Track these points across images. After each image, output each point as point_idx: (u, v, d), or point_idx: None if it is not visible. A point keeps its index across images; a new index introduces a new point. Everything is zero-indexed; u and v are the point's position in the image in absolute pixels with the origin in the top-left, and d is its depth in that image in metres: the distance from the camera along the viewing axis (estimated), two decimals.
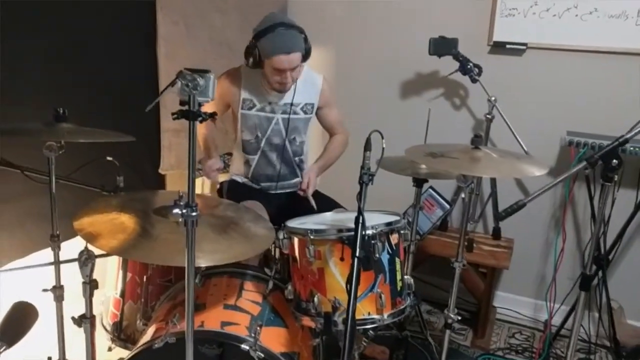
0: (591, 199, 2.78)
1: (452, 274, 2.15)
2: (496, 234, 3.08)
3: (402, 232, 1.95)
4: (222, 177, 2.70)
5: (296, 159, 2.62)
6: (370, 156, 1.80)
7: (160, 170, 2.98)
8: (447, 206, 2.97)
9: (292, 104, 2.51)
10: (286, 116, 2.53)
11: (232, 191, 2.63)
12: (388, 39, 3.27)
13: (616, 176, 1.81)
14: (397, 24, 3.24)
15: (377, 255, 1.84)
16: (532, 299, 3.20)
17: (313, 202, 2.42)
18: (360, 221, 1.69)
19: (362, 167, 1.80)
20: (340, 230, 1.83)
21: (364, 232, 1.70)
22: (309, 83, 2.57)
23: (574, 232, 3.04)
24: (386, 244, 1.88)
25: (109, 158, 2.12)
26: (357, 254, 1.65)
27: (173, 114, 1.44)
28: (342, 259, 1.80)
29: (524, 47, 2.97)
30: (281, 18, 2.40)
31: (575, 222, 3.03)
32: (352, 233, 1.76)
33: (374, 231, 1.83)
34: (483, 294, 2.94)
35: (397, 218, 1.97)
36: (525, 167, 1.98)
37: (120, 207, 1.84)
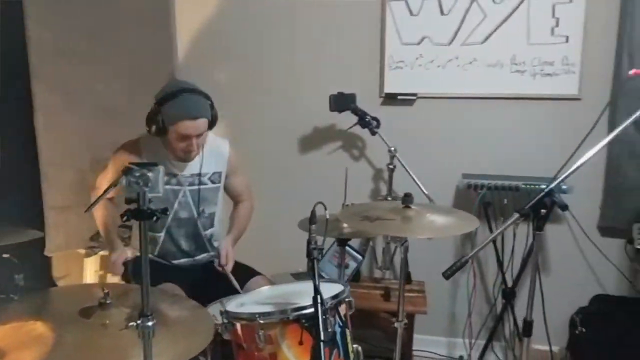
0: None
1: (387, 330, 2.14)
2: (407, 278, 3.14)
3: (347, 300, 1.90)
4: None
5: (207, 232, 2.48)
6: (316, 229, 1.74)
7: (46, 252, 2.67)
8: (360, 257, 2.98)
9: (200, 174, 2.39)
10: (194, 187, 2.39)
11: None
12: (285, 98, 3.27)
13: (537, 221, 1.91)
14: (292, 82, 3.25)
15: (330, 330, 1.76)
16: (446, 337, 3.29)
17: (235, 283, 2.30)
18: (319, 301, 1.62)
19: (309, 242, 1.73)
20: (294, 310, 1.74)
21: (320, 311, 1.63)
22: (215, 150, 2.46)
23: (478, 269, 3.19)
24: (337, 317, 1.82)
25: (5, 255, 1.85)
26: (323, 338, 1.57)
27: (122, 215, 1.27)
28: (300, 343, 1.70)
29: (414, 97, 3.10)
30: (186, 83, 2.29)
31: (477, 259, 3.19)
32: (307, 312, 1.69)
33: (326, 307, 1.76)
34: (404, 340, 2.96)
35: (341, 287, 1.92)
36: (458, 222, 2.03)
37: (34, 311, 1.58)
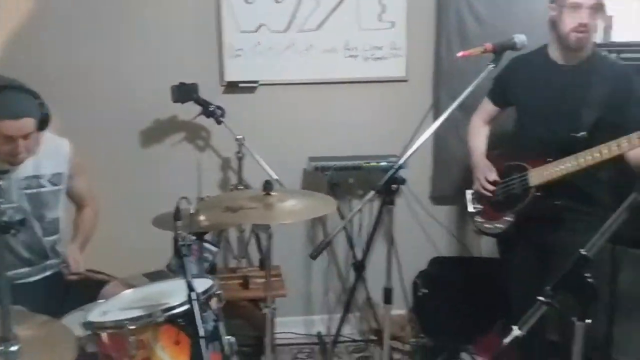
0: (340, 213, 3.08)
1: (250, 318, 2.16)
2: (264, 264, 3.17)
3: (217, 293, 1.88)
4: None
5: (50, 239, 2.29)
6: (181, 225, 1.69)
7: None
8: (215, 249, 2.93)
9: (38, 177, 2.19)
10: (31, 191, 2.18)
11: None
12: (124, 91, 3.07)
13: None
14: (129, 75, 3.06)
15: (209, 325, 1.74)
16: (304, 316, 3.40)
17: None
18: (194, 298, 1.59)
19: (177, 239, 1.68)
20: (166, 311, 1.67)
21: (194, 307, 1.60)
22: (53, 150, 2.27)
23: (330, 247, 3.32)
24: (209, 311, 1.79)
25: None
26: (203, 334, 1.54)
27: None
28: (177, 343, 1.65)
29: (256, 85, 3.12)
30: (10, 80, 2.07)
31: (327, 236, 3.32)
32: (179, 310, 1.65)
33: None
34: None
35: (210, 282, 1.89)
36: (317, 205, 2.09)
37: None
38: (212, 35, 3.06)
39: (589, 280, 1.18)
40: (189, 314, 1.62)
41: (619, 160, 2.15)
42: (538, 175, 2.32)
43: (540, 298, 1.21)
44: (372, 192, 1.97)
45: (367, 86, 3.20)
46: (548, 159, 2.28)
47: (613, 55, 2.61)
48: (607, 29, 2.84)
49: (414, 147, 1.99)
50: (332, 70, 3.16)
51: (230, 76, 3.10)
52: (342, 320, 3.18)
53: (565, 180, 2.25)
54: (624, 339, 2.74)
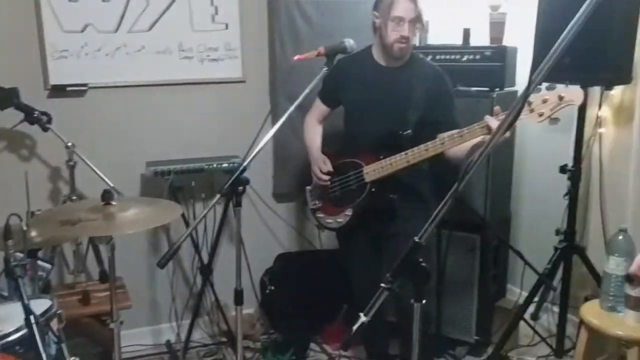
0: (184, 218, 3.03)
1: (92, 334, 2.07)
2: (104, 277, 3.00)
3: (58, 313, 1.77)
4: None
5: None
6: (13, 244, 1.57)
7: None
8: (49, 266, 2.73)
9: None
10: None
11: None
12: None
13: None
14: None
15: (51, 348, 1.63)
16: (151, 326, 3.29)
17: None
18: (34, 321, 1.48)
19: (8, 260, 1.56)
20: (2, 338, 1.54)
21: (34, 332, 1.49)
22: None
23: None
24: (50, 334, 1.68)
25: None
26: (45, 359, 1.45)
27: None
28: None
29: (85, 88, 2.94)
30: None
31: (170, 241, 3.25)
32: (16, 337, 1.53)
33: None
34: (111, 340, 2.86)
35: (48, 302, 1.77)
36: (162, 212, 2.04)
37: None
38: (33, 35, 2.82)
39: (423, 264, 1.31)
40: (27, 339, 1.51)
41: (439, 155, 2.38)
42: (372, 171, 2.50)
43: (383, 285, 1.32)
44: (218, 196, 1.98)
45: (204, 88, 3.18)
46: (380, 156, 2.46)
47: (429, 57, 2.88)
48: (423, 33, 3.11)
49: (257, 149, 2.04)
50: (167, 72, 3.09)
51: (56, 79, 2.89)
52: (192, 326, 3.14)
53: (397, 175, 2.44)
54: (451, 314, 3.05)
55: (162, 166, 2.96)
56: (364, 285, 2.67)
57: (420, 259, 1.32)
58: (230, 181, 1.98)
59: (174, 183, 2.97)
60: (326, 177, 2.65)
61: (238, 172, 1.98)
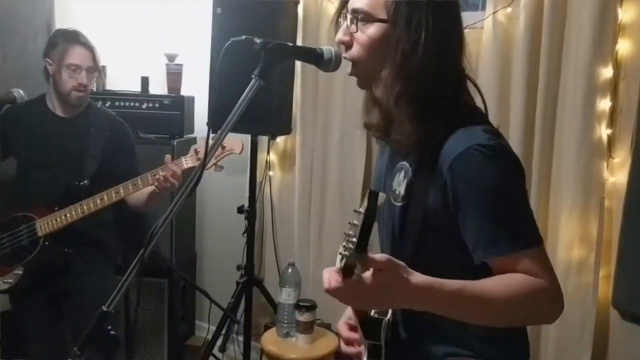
0: None
1: None
2: None
3: None
4: None
5: None
6: None
7: None
8: None
9: None
10: None
11: None
12: None
13: None
14: None
15: None
16: None
17: None
18: None
19: None
20: None
21: None
22: None
23: None
24: None
25: None
26: None
27: None
28: None
29: None
30: None
31: None
32: None
33: None
34: None
35: None
36: None
37: None
38: None
39: (112, 332, 1.30)
40: None
41: (119, 203, 2.37)
42: (46, 224, 2.35)
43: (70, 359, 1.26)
44: None
45: None
46: (55, 208, 2.33)
47: (107, 104, 2.84)
48: (100, 78, 3.06)
49: None
50: None
51: None
52: None
53: (73, 226, 2.34)
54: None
55: None
56: (42, 349, 2.47)
57: (109, 327, 1.30)
58: None
59: None
60: None
61: None
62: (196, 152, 2.21)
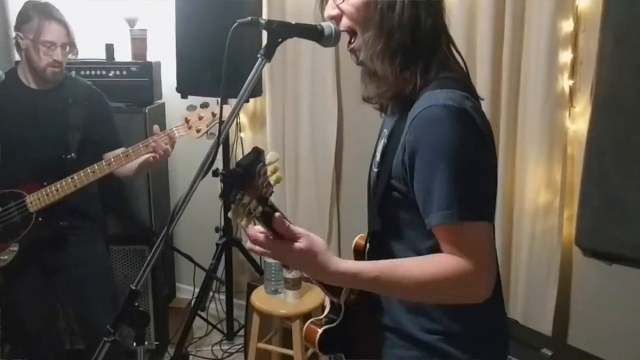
0: None
1: None
2: None
3: None
4: None
5: None
6: None
7: None
8: None
9: None
10: None
11: None
12: None
13: None
14: None
15: None
16: None
17: None
18: None
19: None
20: None
21: None
22: None
23: None
24: None
25: None
26: None
27: None
28: None
29: None
30: None
31: None
32: None
33: None
34: None
35: None
36: None
37: None
38: None
39: (140, 308, 1.36)
40: None
41: (108, 176, 2.37)
42: (37, 200, 2.33)
43: (105, 338, 1.32)
44: None
45: None
46: (44, 183, 2.31)
47: (72, 73, 2.78)
48: (74, 54, 2.95)
49: None
50: None
51: None
52: None
53: (65, 200, 2.34)
54: None
55: None
56: (36, 321, 2.49)
57: (137, 304, 1.37)
58: None
59: None
60: None
61: None
62: (187, 120, 2.22)
